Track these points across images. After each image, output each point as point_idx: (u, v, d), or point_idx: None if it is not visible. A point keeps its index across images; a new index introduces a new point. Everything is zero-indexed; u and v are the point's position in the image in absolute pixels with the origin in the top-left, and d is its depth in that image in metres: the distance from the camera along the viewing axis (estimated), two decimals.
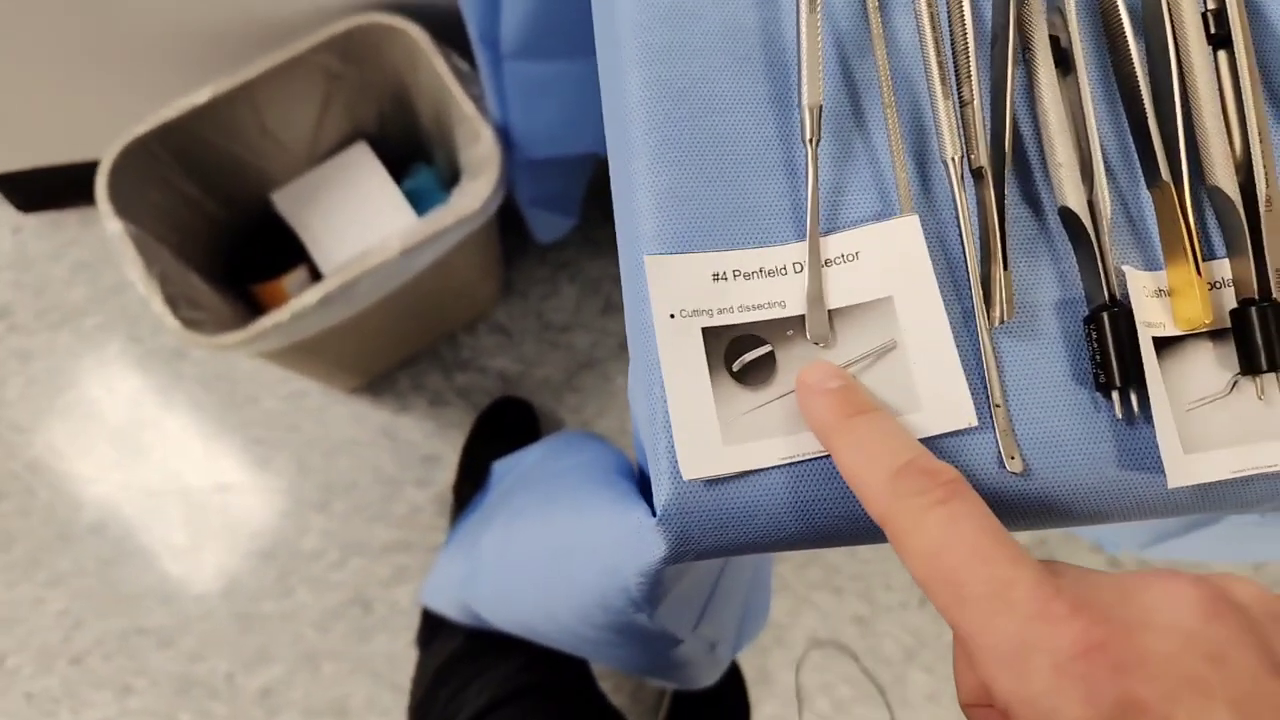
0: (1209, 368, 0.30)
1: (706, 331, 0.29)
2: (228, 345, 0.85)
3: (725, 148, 0.32)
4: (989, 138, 0.30)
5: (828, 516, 0.29)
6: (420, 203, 1.06)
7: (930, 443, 0.29)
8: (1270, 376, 0.29)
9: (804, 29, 0.30)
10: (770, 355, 0.29)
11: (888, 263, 0.30)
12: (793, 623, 1.08)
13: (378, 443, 1.12)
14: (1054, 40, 0.31)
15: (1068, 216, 0.30)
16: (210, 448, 1.12)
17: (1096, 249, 0.29)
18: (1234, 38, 0.30)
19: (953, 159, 0.30)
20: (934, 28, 0.31)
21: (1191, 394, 0.30)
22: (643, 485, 0.34)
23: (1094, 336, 0.29)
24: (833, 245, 0.30)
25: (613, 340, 1.16)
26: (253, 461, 1.12)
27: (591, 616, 0.44)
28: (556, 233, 1.09)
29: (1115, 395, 0.29)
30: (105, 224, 0.86)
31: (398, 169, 1.07)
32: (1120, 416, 0.29)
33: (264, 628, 1.07)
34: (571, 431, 0.85)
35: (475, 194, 0.88)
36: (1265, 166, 0.30)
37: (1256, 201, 0.30)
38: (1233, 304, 0.30)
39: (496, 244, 1.09)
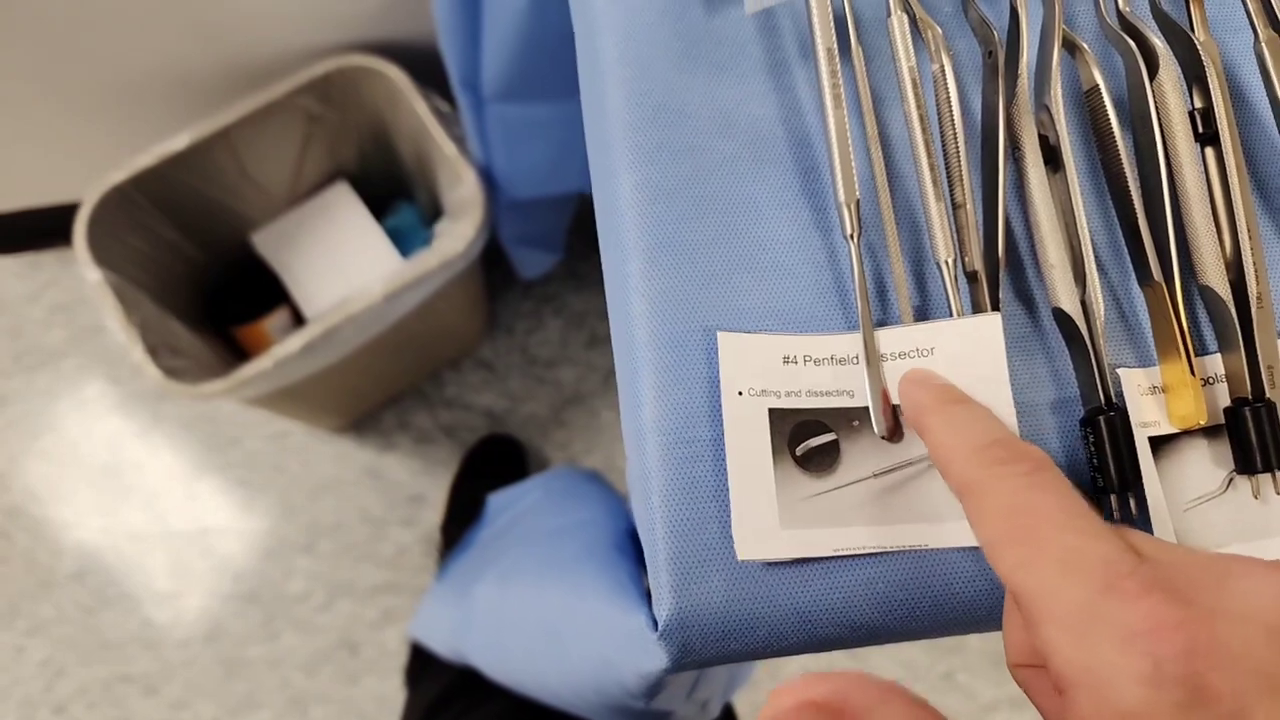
0: (1204, 465, 0.30)
1: (773, 412, 0.29)
2: (210, 394, 0.84)
3: (728, 244, 0.31)
4: (982, 239, 0.30)
5: (831, 625, 0.29)
6: (402, 240, 1.05)
7: (955, 551, 0.29)
8: (1265, 476, 0.29)
9: (832, 126, 0.30)
10: (834, 443, 0.29)
11: (962, 361, 0.29)
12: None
13: (363, 482, 1.11)
14: (1043, 139, 0.31)
15: (1061, 318, 0.30)
16: (193, 490, 1.10)
17: (1091, 351, 0.29)
18: (1221, 135, 0.30)
19: (946, 261, 0.30)
20: (924, 130, 0.31)
21: (1188, 493, 0.30)
22: (641, 556, 0.33)
23: (1091, 440, 0.29)
24: (908, 338, 0.30)
25: (598, 374, 1.15)
26: (236, 503, 1.10)
27: (585, 694, 0.44)
28: (540, 269, 1.09)
29: (1113, 498, 0.29)
30: (84, 273, 0.85)
31: (379, 206, 1.06)
32: (1118, 518, 0.29)
33: (250, 673, 1.06)
34: (572, 472, 0.84)
35: (459, 236, 0.87)
36: (1255, 264, 0.30)
37: (1248, 299, 0.30)
38: (1226, 400, 0.30)
39: (481, 282, 1.08)
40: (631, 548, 0.49)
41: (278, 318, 1.03)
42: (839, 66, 0.31)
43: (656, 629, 0.29)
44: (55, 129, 0.97)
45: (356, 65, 0.91)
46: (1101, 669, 0.19)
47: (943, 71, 0.31)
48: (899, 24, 0.31)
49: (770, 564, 0.29)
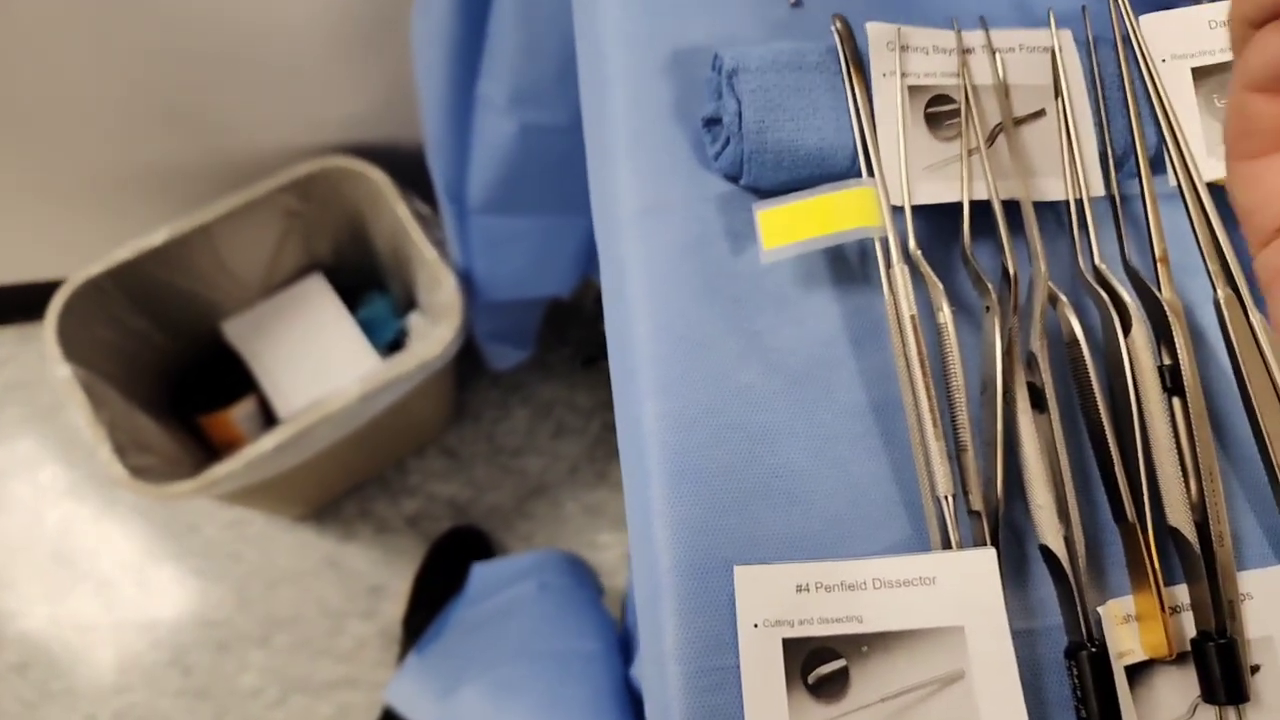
0: (1175, 691, 0.33)
1: (787, 643, 0.31)
2: (177, 496, 0.83)
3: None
4: (982, 480, 0.33)
5: None
6: (374, 331, 1.06)
7: None
8: (1229, 708, 0.32)
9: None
10: (844, 670, 0.31)
11: (962, 591, 0.32)
12: None
13: (322, 573, 1.10)
14: (1030, 385, 0.34)
15: (1047, 555, 0.33)
16: (145, 578, 1.08)
17: (1075, 588, 0.32)
18: (1187, 389, 0.34)
19: (947, 497, 0.33)
20: (925, 374, 0.34)
21: (1160, 717, 0.32)
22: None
23: (1074, 674, 0.32)
24: (911, 566, 0.32)
25: (564, 465, 1.17)
26: (190, 593, 1.08)
27: None
28: (510, 362, 1.10)
29: None
30: (53, 369, 0.84)
31: (351, 294, 1.07)
32: None
33: None
34: (566, 566, 0.83)
35: (438, 340, 0.89)
36: (1217, 506, 0.33)
37: (1211, 540, 0.33)
38: (1192, 628, 0.33)
39: (452, 376, 1.09)
40: (629, 698, 0.50)
41: (244, 407, 1.03)
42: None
43: None
44: (29, 213, 0.97)
45: (340, 166, 0.93)
46: None
47: (946, 325, 0.34)
48: (902, 274, 0.34)
49: None
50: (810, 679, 0.31)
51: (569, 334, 1.18)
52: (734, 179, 0.37)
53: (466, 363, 1.14)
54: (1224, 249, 0.35)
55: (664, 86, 0.38)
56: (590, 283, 0.99)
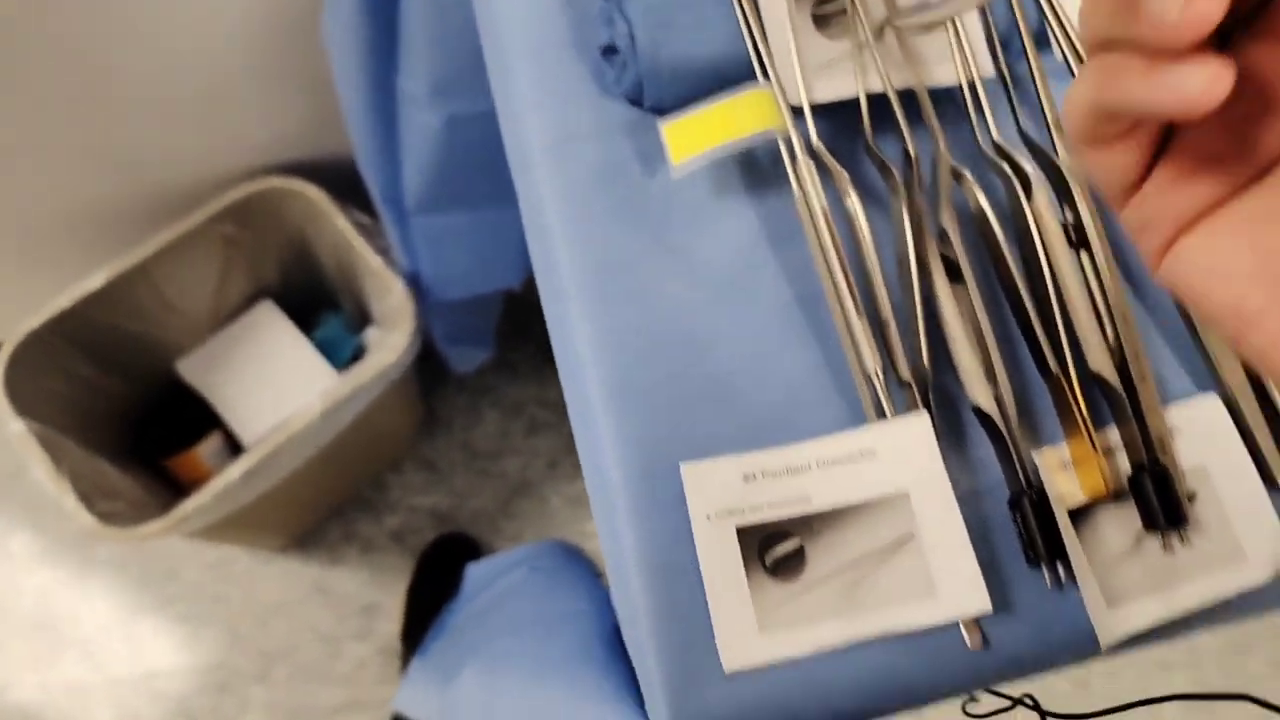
0: (1118, 527, 0.34)
1: (740, 530, 0.32)
2: (149, 536, 0.82)
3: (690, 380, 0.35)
4: (908, 351, 0.34)
5: (817, 716, 0.32)
6: (332, 351, 1.05)
7: (914, 636, 0.32)
8: (1170, 530, 0.33)
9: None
10: (800, 549, 0.32)
11: (902, 458, 0.33)
12: None
13: (312, 600, 1.09)
14: (944, 258, 0.35)
15: (980, 414, 0.34)
16: (132, 633, 1.07)
17: (1010, 441, 0.34)
18: (1092, 242, 0.35)
19: (876, 372, 0.34)
20: (840, 260, 0.35)
21: (1107, 552, 0.34)
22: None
23: (1019, 520, 0.33)
24: (850, 442, 0.33)
25: (542, 461, 1.17)
26: (180, 640, 1.07)
27: None
28: (472, 364, 1.10)
29: (1045, 568, 0.33)
30: (6, 424, 0.83)
31: (304, 318, 1.06)
32: (1050, 586, 0.33)
33: None
34: (556, 549, 0.84)
35: (392, 347, 0.89)
36: (1134, 348, 0.35)
37: (1132, 380, 0.34)
38: (1127, 466, 0.35)
39: (414, 383, 1.09)
40: (621, 645, 0.51)
41: (210, 444, 1.02)
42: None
43: None
44: None
45: (274, 187, 0.93)
46: None
47: (854, 208, 0.35)
48: (807, 168, 0.36)
49: (756, 669, 0.31)
50: (767, 561, 0.32)
51: (531, 331, 1.19)
52: (637, 103, 0.38)
53: (430, 371, 1.14)
54: None
55: (559, 22, 0.39)
56: None
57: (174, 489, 1.03)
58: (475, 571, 0.85)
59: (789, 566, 0.32)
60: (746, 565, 0.32)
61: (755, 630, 0.31)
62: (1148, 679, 1.13)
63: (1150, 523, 0.34)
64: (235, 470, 0.84)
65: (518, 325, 1.17)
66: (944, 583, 0.32)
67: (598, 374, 0.34)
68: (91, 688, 1.04)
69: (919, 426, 0.33)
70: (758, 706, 0.31)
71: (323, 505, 1.12)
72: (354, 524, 1.13)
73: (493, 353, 1.08)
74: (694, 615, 0.32)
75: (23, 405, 0.84)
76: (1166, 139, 0.21)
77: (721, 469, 0.33)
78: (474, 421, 1.18)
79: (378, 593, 1.10)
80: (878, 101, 0.38)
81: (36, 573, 1.07)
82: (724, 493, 0.33)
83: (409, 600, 1.08)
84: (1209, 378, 0.37)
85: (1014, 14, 0.40)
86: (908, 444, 0.33)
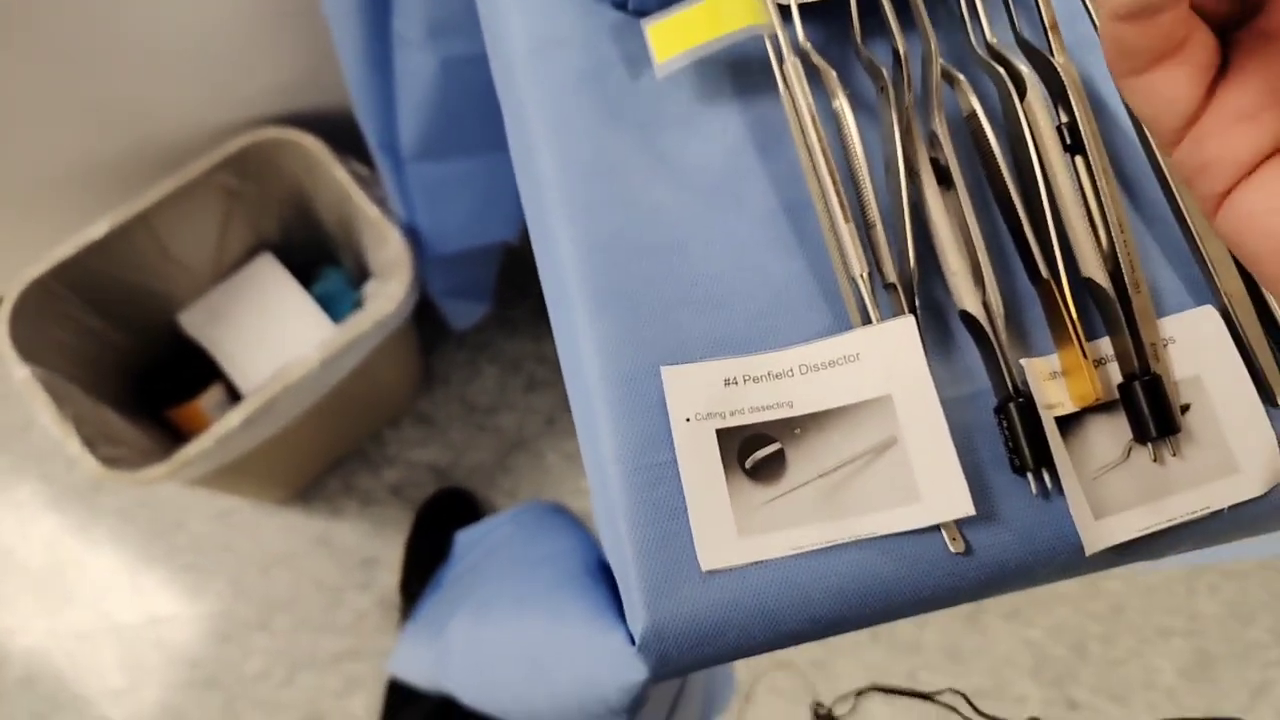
0: (1107, 437, 0.33)
1: (720, 433, 0.32)
2: (152, 480, 0.83)
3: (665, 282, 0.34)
4: (895, 255, 0.34)
5: (795, 621, 0.31)
6: (332, 305, 1.05)
7: (899, 538, 0.31)
8: (1161, 440, 0.33)
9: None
10: (780, 453, 0.32)
11: (886, 362, 0.32)
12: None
13: (314, 552, 1.10)
14: (934, 161, 0.34)
15: (967, 319, 0.33)
16: (138, 581, 1.08)
17: (996, 346, 0.33)
18: (1087, 145, 0.34)
19: (861, 276, 0.33)
20: (828, 161, 0.34)
21: (1096, 463, 0.33)
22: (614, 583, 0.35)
23: (1004, 426, 0.32)
24: (834, 347, 0.33)
25: (539, 417, 1.17)
26: (185, 589, 1.08)
27: (569, 716, 0.45)
28: (471, 319, 1.10)
29: (1030, 476, 0.32)
30: (12, 371, 0.83)
31: (305, 273, 1.06)
32: (1036, 494, 0.32)
33: None
34: (540, 505, 0.85)
35: (389, 297, 0.88)
36: (1129, 255, 0.34)
37: (1126, 288, 0.34)
38: (1118, 378, 0.34)
39: (414, 337, 1.09)
40: (604, 576, 0.51)
41: (212, 395, 1.02)
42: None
43: (634, 643, 0.31)
44: None
45: (272, 138, 0.92)
46: None
47: (842, 108, 0.34)
48: (794, 68, 0.35)
49: (733, 570, 0.31)
50: (747, 464, 0.32)
51: (529, 288, 1.18)
52: (621, 6, 0.37)
53: (430, 327, 1.14)
54: None
55: None
56: None
57: (176, 440, 1.03)
58: (464, 537, 0.86)
59: (769, 470, 0.32)
60: (726, 468, 0.31)
61: (734, 532, 0.31)
62: (1146, 646, 1.12)
63: (1140, 433, 0.33)
64: (235, 416, 0.84)
65: (516, 283, 1.16)
66: (926, 486, 0.31)
67: (579, 277, 0.34)
68: (98, 634, 1.05)
69: (904, 330, 0.33)
70: (735, 607, 0.31)
71: (323, 458, 1.12)
72: (354, 478, 1.13)
73: (491, 308, 1.08)
74: (673, 517, 0.31)
75: (28, 352, 0.85)
76: (1224, 68, 0.20)
77: (703, 372, 0.33)
78: (472, 377, 1.18)
79: (378, 545, 1.10)
80: (867, 1, 0.37)
81: (44, 521, 1.08)
82: (705, 396, 0.32)
83: (407, 553, 1.09)
84: (1207, 290, 0.36)
85: None
86: (892, 348, 0.33)
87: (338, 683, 1.06)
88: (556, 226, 0.35)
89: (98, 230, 0.88)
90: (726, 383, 0.32)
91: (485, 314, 1.09)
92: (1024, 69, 0.35)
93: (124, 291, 0.95)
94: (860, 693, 0.59)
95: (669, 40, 0.34)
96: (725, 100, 0.37)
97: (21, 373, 0.83)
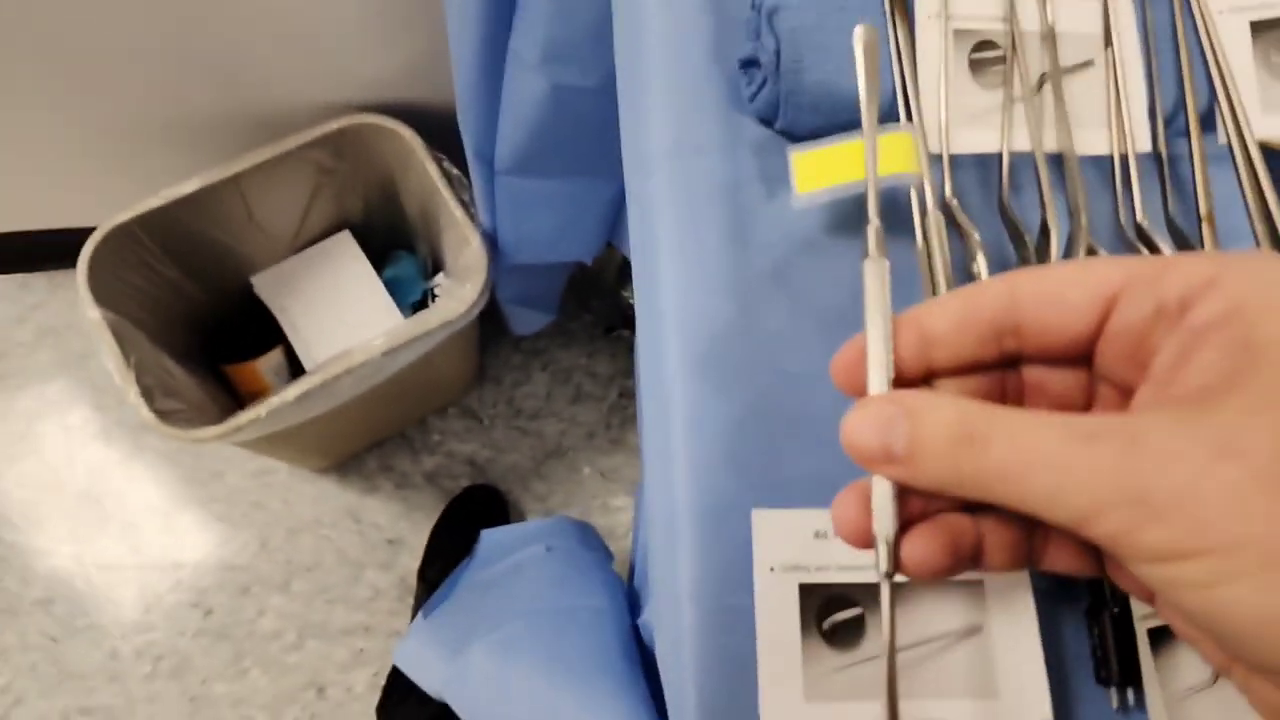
0: (1199, 657, 0.32)
1: (803, 588, 0.31)
2: (202, 440, 0.84)
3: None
4: None
5: None
6: (399, 290, 1.06)
7: None
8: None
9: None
10: (860, 618, 0.31)
11: None
12: None
13: (342, 524, 1.11)
14: None
15: None
16: (171, 522, 1.10)
17: None
18: None
19: None
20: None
21: (1183, 683, 0.32)
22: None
23: (1095, 634, 0.31)
24: None
25: (581, 430, 1.17)
26: (214, 538, 1.10)
27: None
28: (533, 326, 1.10)
29: (1114, 689, 0.31)
30: (85, 311, 0.85)
31: (379, 253, 1.07)
32: (1116, 708, 0.31)
33: (213, 711, 1.05)
34: (573, 529, 0.84)
35: (462, 299, 0.89)
36: None
37: None
38: None
39: (476, 338, 1.10)
40: (638, 652, 0.50)
41: (271, 358, 1.03)
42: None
43: None
44: (62, 158, 0.97)
45: (371, 124, 0.93)
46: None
47: (980, 273, 0.33)
48: (936, 222, 0.34)
49: None
50: (825, 625, 0.31)
51: (591, 303, 1.18)
52: (768, 123, 0.36)
53: (490, 326, 1.14)
54: (1273, 212, 0.34)
55: (701, 25, 0.37)
56: (613, 252, 0.99)
57: (231, 395, 1.05)
58: (489, 538, 0.86)
59: (846, 634, 0.31)
60: (803, 625, 0.31)
61: (801, 696, 0.30)
62: None
63: None
64: (292, 392, 0.85)
65: (579, 296, 1.16)
66: (1006, 684, 0.30)
67: (682, 397, 0.33)
68: (123, 567, 1.07)
69: None
70: None
71: (367, 436, 1.13)
72: (393, 458, 1.14)
73: (554, 317, 1.08)
74: (741, 668, 0.31)
75: (102, 295, 0.86)
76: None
77: (793, 521, 0.32)
78: (523, 380, 1.18)
79: (405, 527, 1.11)
80: (1018, 161, 0.36)
81: (90, 449, 1.11)
82: (792, 546, 0.32)
83: (430, 542, 1.09)
84: None
85: (1183, 89, 0.37)
86: None
87: (344, 655, 1.07)
88: (668, 335, 0.34)
89: (189, 186, 0.89)
90: (816, 535, 0.32)
91: (546, 324, 1.10)
92: (1170, 255, 0.34)
93: (204, 247, 0.97)
94: None
95: (813, 172, 0.34)
96: (858, 237, 0.36)
97: (94, 314, 0.84)
